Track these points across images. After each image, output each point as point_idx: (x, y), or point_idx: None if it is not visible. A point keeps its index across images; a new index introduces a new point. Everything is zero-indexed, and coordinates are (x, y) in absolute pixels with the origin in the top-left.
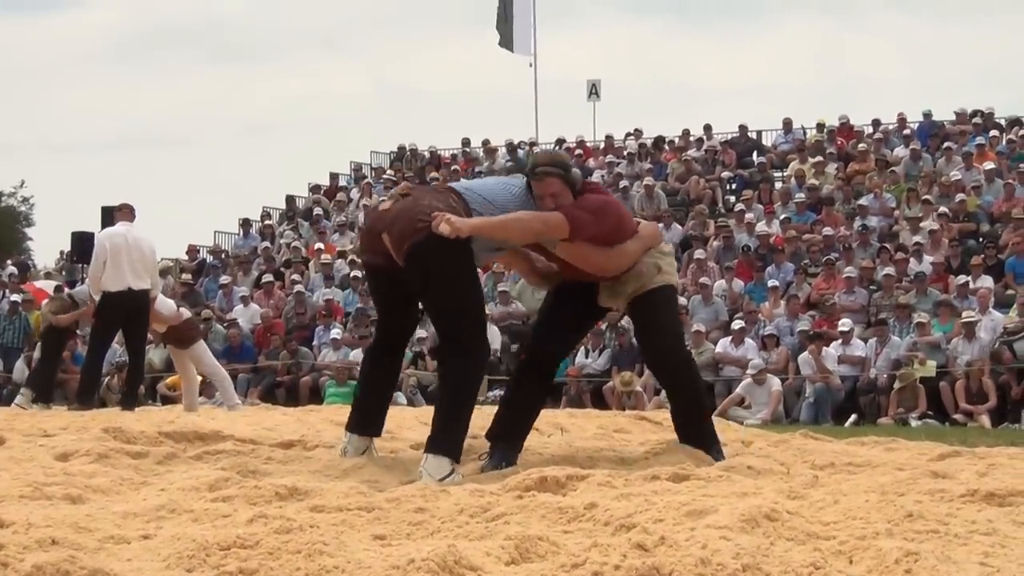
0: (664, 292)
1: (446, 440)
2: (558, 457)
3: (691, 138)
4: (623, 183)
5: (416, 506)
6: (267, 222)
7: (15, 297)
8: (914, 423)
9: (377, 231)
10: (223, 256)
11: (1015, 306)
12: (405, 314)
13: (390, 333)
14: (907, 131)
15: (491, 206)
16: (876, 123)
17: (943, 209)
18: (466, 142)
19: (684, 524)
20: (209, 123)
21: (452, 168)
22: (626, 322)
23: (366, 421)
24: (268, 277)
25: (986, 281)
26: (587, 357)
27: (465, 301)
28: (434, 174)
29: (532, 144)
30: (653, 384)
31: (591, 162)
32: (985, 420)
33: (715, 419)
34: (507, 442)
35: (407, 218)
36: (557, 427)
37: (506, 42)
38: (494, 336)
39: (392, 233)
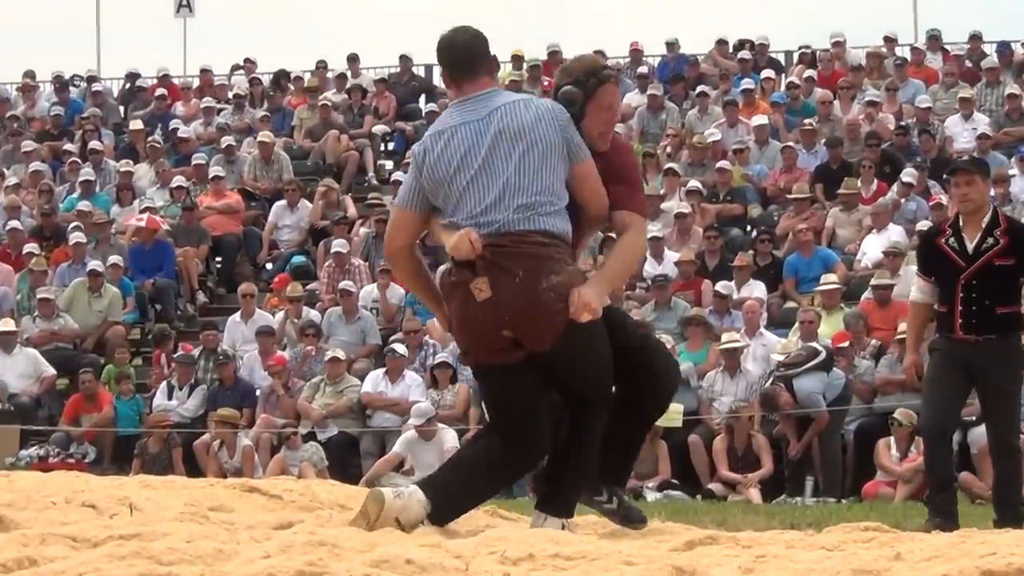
0: None
1: (573, 500)
2: (127, 552)
3: (330, 74)
4: (227, 140)
5: None
6: None
7: None
8: (651, 495)
9: (491, 330)
10: None
11: (796, 326)
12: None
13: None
14: (643, 68)
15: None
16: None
17: (695, 183)
18: None
19: None
20: None
21: None
22: (231, 348)
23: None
24: None
25: (756, 289)
26: (171, 398)
27: (609, 359)
28: None
29: (92, 79)
30: (270, 437)
31: (180, 107)
32: (753, 493)
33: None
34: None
35: (534, 309)
36: (125, 503)
37: None
38: (37, 366)
39: (520, 329)
